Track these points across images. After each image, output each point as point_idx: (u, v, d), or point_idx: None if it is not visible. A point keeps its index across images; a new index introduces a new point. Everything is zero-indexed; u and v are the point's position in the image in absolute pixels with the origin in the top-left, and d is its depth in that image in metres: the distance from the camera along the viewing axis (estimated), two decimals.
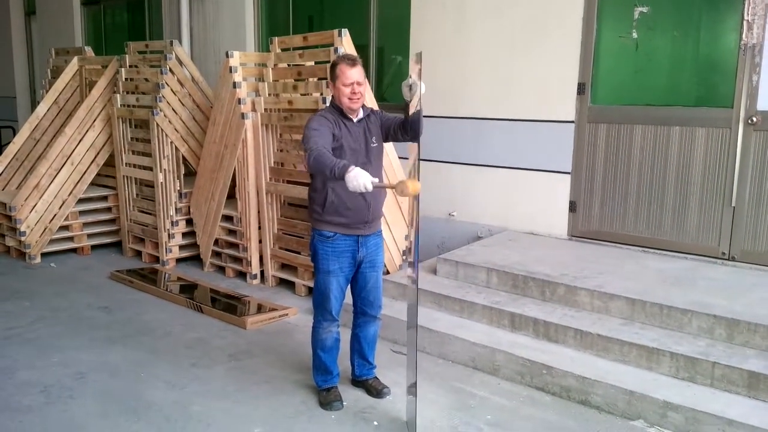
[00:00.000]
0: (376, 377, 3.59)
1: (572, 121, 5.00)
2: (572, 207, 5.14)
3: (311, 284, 5.16)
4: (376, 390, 3.52)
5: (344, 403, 3.40)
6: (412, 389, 3.10)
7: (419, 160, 3.03)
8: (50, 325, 4.54)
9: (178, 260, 6.12)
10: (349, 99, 3.16)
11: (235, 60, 5.30)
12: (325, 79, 4.77)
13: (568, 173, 5.08)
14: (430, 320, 4.15)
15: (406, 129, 3.21)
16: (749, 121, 4.31)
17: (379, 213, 3.37)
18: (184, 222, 6.05)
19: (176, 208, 5.97)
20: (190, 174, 6.14)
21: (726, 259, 4.52)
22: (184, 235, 6.10)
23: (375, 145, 3.29)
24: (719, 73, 4.46)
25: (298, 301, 5.07)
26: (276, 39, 5.31)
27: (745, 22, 4.20)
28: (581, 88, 4.96)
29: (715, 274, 4.29)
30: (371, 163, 3.24)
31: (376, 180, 2.87)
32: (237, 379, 3.75)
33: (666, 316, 3.74)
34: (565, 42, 4.92)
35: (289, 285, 5.39)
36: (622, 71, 4.89)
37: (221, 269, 5.86)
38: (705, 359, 3.37)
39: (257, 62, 5.50)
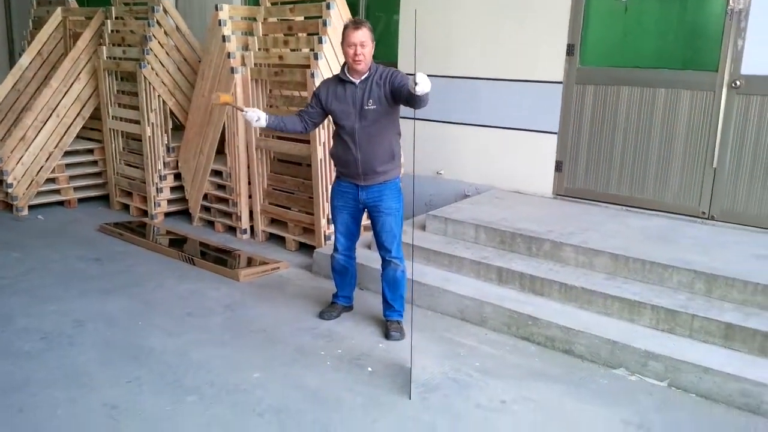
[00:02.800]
0: (396, 321, 3.82)
1: (560, 82, 5.08)
2: (558, 167, 5.25)
3: (302, 239, 5.26)
4: (387, 331, 3.79)
5: (333, 320, 3.96)
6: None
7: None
8: (42, 276, 4.58)
9: (167, 214, 6.15)
10: (353, 60, 3.45)
11: (225, 13, 5.26)
12: (317, 34, 4.83)
13: (555, 133, 5.18)
14: (420, 274, 4.25)
15: (408, 102, 3.38)
16: (733, 85, 4.43)
17: (374, 169, 3.59)
18: (172, 176, 6.05)
19: (164, 162, 5.97)
20: (178, 128, 6.13)
21: (705, 219, 4.69)
22: (173, 189, 6.11)
23: (371, 107, 3.48)
24: (705, 37, 4.55)
25: (288, 256, 5.15)
26: None
27: None
28: (570, 50, 5.02)
29: (694, 233, 4.45)
30: (361, 123, 3.51)
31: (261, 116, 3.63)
32: (233, 328, 3.85)
33: (648, 271, 3.90)
34: (556, 3, 4.96)
35: (279, 240, 5.46)
36: (611, 33, 4.97)
37: (210, 224, 5.90)
38: (684, 311, 3.53)
39: (246, 16, 5.46)
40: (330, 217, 4.85)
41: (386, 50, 5.79)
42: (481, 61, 5.41)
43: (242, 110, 3.73)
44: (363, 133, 3.51)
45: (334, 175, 4.54)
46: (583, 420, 2.99)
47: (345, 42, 3.44)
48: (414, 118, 3.84)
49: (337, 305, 4.06)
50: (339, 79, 3.58)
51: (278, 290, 4.47)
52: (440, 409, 3.03)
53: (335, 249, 3.92)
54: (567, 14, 4.95)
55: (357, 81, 3.49)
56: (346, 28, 3.46)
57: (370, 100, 3.47)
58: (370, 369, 3.39)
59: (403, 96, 3.35)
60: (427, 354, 3.55)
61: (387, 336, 3.75)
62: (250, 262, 4.92)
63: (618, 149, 4.97)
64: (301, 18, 5.13)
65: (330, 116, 3.69)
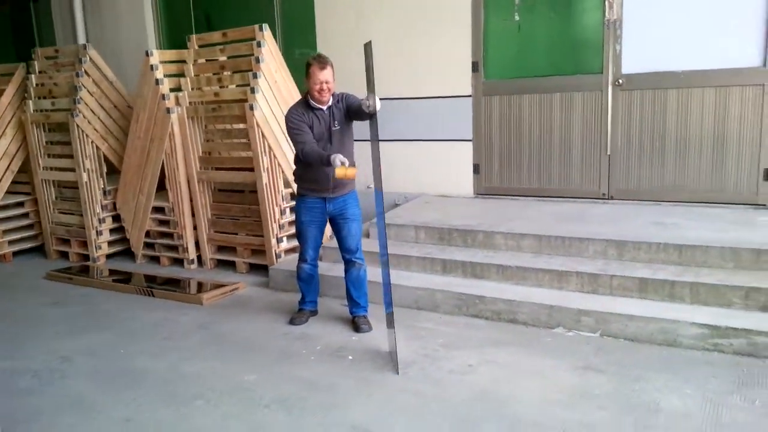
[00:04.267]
0: (363, 316, 4.25)
1: (470, 96, 5.76)
2: (476, 169, 5.90)
3: (252, 261, 5.59)
4: (356, 325, 4.21)
5: (304, 325, 4.33)
6: (390, 323, 3.73)
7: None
8: (9, 324, 4.67)
9: (108, 256, 6.29)
10: (318, 93, 3.90)
11: (155, 58, 5.57)
12: (250, 71, 5.24)
13: (470, 140, 5.83)
14: (374, 275, 4.68)
15: (358, 115, 3.90)
16: (616, 83, 5.24)
17: (342, 182, 4.03)
18: (110, 218, 6.21)
19: (102, 206, 6.12)
20: (111, 172, 6.30)
21: (606, 199, 5.46)
22: (111, 231, 6.27)
23: (337, 128, 3.97)
24: (589, 45, 5.35)
25: (241, 278, 5.46)
26: (194, 36, 5.63)
27: (606, 2, 5.11)
28: (475, 66, 5.72)
29: (599, 211, 5.19)
30: (332, 143, 3.98)
31: (344, 159, 3.74)
32: (213, 344, 4.14)
33: (567, 246, 4.56)
34: (458, 27, 5.66)
35: (228, 264, 5.76)
36: (509, 49, 5.69)
37: (155, 259, 6.10)
38: (604, 274, 4.20)
39: (173, 59, 5.77)
40: (279, 236, 5.31)
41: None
42: (398, 83, 5.99)
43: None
44: (333, 151, 3.89)
45: (280, 197, 5.06)
46: (539, 371, 3.53)
47: (311, 79, 3.85)
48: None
49: (304, 311, 4.44)
50: (307, 107, 3.97)
51: (243, 307, 4.79)
52: (421, 378, 3.49)
53: (303, 260, 4.31)
54: (469, 35, 5.64)
55: (324, 107, 3.96)
56: (310, 65, 3.86)
57: (336, 122, 3.97)
58: (350, 357, 3.81)
59: (356, 112, 3.86)
60: (397, 339, 4.00)
61: (357, 329, 4.18)
62: (200, 288, 5.17)
63: (525, 148, 5.68)
64: (224, 58, 5.51)
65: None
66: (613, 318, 3.92)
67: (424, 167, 6.04)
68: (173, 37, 7.43)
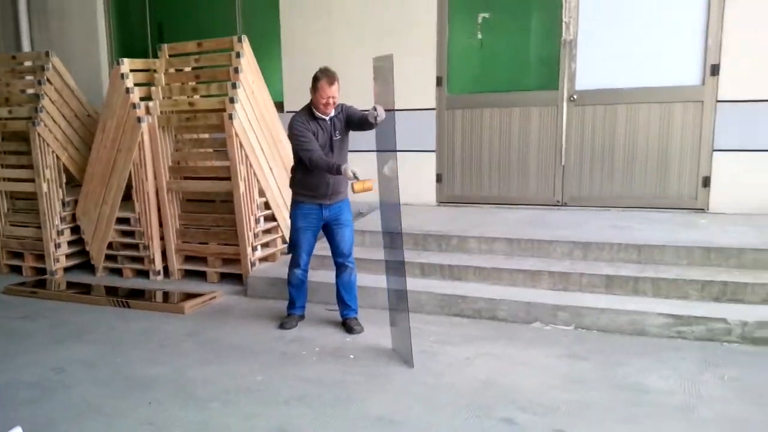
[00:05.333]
0: (354, 318, 4.41)
1: (434, 108, 6.07)
2: (438, 178, 6.21)
3: (224, 270, 5.63)
4: (349, 327, 4.36)
5: (295, 329, 4.45)
6: (395, 322, 3.93)
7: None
8: None
9: (66, 269, 6.14)
10: (324, 106, 4.08)
11: (126, 67, 5.55)
12: (228, 81, 5.33)
13: (434, 151, 6.14)
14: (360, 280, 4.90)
15: (359, 125, 4.13)
16: (571, 99, 5.70)
17: (339, 190, 4.25)
18: (69, 230, 6.08)
19: (61, 217, 5.98)
20: (68, 182, 6.16)
21: (560, 205, 5.89)
22: (69, 243, 6.13)
23: (338, 138, 4.17)
24: (547, 63, 5.79)
25: (213, 287, 5.49)
26: (165, 46, 5.64)
27: (563, 23, 5.57)
28: (439, 81, 6.05)
29: (557, 216, 5.61)
30: (333, 153, 4.16)
31: (357, 170, 3.91)
32: (209, 350, 4.19)
33: (537, 248, 4.92)
34: (424, 44, 5.98)
35: (196, 275, 5.76)
36: (471, 65, 6.06)
37: (116, 272, 6.01)
38: (573, 272, 4.59)
39: (142, 68, 5.76)
40: (254, 245, 5.40)
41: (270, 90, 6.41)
42: (364, 97, 6.17)
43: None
44: (333, 160, 4.10)
45: (255, 206, 5.10)
46: (530, 361, 3.83)
47: (318, 93, 4.01)
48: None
49: (294, 316, 4.57)
50: (312, 116, 4.12)
51: (225, 315, 4.85)
52: (424, 372, 3.71)
53: (297, 266, 4.43)
54: (434, 52, 5.96)
55: (327, 118, 4.13)
56: (319, 80, 4.01)
57: (337, 132, 4.16)
58: (351, 356, 3.98)
59: (357, 122, 4.07)
60: (387, 339, 4.20)
61: (350, 331, 4.34)
62: (167, 298, 5.19)
63: (485, 159, 6.05)
64: (213, 67, 5.58)
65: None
66: (586, 312, 4.29)
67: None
68: (126, 47, 7.35)
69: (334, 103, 4.08)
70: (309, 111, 4.15)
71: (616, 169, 5.69)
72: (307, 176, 4.20)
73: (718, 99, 5.33)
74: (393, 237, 3.96)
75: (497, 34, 5.89)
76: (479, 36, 5.90)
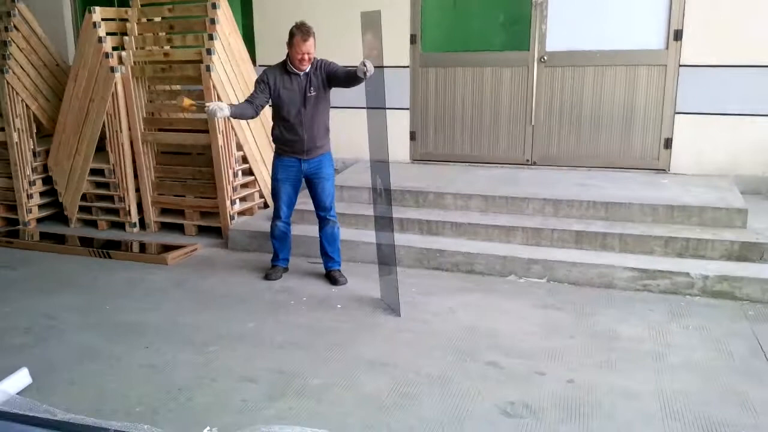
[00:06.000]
0: (338, 270, 4.54)
1: (407, 66, 6.15)
2: (412, 136, 6.34)
3: (202, 223, 5.68)
4: (333, 278, 4.50)
5: (281, 280, 4.58)
6: (382, 274, 4.11)
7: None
8: None
9: (39, 220, 6.07)
10: (299, 62, 4.12)
11: (97, 15, 5.44)
12: (204, 32, 5.29)
13: (408, 109, 6.25)
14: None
15: (347, 82, 4.14)
16: (541, 60, 5.87)
17: (315, 144, 4.32)
18: (40, 181, 6.00)
19: (32, 168, 5.89)
20: (38, 133, 6.04)
21: (529, 164, 6.11)
22: (41, 194, 6.05)
23: (312, 94, 4.21)
24: (518, 23, 5.92)
25: (191, 240, 5.54)
26: None
27: None
28: (413, 39, 6.12)
29: (527, 175, 5.83)
30: (306, 108, 4.22)
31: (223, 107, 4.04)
32: (197, 299, 4.29)
33: (510, 204, 5.14)
34: (398, 1, 6.00)
35: (172, 228, 5.78)
36: (445, 24, 6.14)
37: (91, 223, 5.98)
38: (545, 228, 4.82)
39: (113, 17, 5.64)
40: (232, 199, 5.46)
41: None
42: (337, 53, 6.20)
43: (206, 106, 4.05)
44: (307, 116, 4.22)
45: (234, 159, 5.16)
46: (509, 310, 4.06)
47: (294, 48, 4.06)
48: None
49: (278, 267, 4.68)
50: (285, 71, 4.18)
51: (209, 267, 4.93)
52: (410, 320, 3.91)
53: (278, 218, 4.53)
54: (408, 8, 6.02)
55: (301, 73, 4.17)
56: (294, 35, 4.05)
57: (312, 88, 4.20)
58: (339, 306, 4.14)
59: (344, 78, 4.12)
60: (371, 290, 4.38)
61: (335, 282, 4.49)
62: (144, 249, 5.26)
63: (458, 118, 6.20)
64: (187, 18, 5.51)
65: (272, 101, 4.26)
66: (558, 265, 4.54)
67: (362, 134, 6.33)
68: None
69: (309, 59, 4.12)
70: (283, 65, 4.22)
71: (584, 129, 5.92)
72: (285, 132, 4.31)
73: (681, 63, 5.58)
74: (383, 193, 4.07)
75: None
76: None
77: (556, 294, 4.31)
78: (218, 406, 2.98)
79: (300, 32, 4.06)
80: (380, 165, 4.06)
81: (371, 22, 3.82)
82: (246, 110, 4.23)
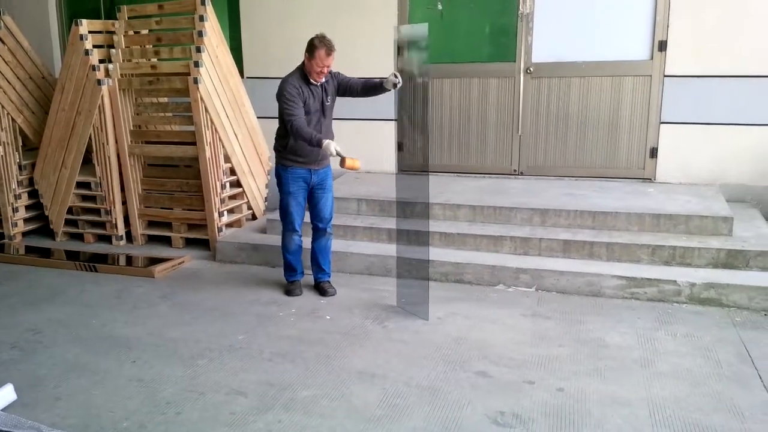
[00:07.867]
0: (327, 281, 4.53)
1: None
2: (399, 147, 6.36)
3: (189, 235, 5.65)
4: (323, 290, 4.49)
5: (302, 293, 4.51)
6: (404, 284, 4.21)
7: None
8: None
9: (24, 234, 6.02)
10: (317, 74, 4.12)
11: (84, 28, 5.42)
12: (191, 44, 5.29)
13: (395, 120, 6.26)
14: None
15: (365, 92, 4.28)
16: (527, 71, 5.91)
17: (325, 154, 4.20)
18: (26, 194, 5.96)
19: (18, 181, 5.85)
20: (24, 146, 6.01)
21: (517, 175, 6.14)
22: (27, 208, 6.01)
23: (329, 103, 4.26)
24: (505, 35, 5.97)
25: (179, 252, 5.52)
26: (125, 7, 5.54)
27: None
28: (400, 51, 6.14)
29: (515, 185, 5.86)
30: (325, 117, 4.26)
31: (339, 148, 3.97)
32: (186, 312, 4.26)
33: (498, 214, 5.16)
34: (385, 13, 6.04)
35: (159, 240, 5.76)
36: (432, 36, 6.11)
37: (77, 237, 5.94)
38: (533, 237, 4.84)
39: (100, 30, 5.63)
40: (220, 211, 5.43)
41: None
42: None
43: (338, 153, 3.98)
44: (324, 125, 4.24)
45: (221, 171, 5.13)
46: (498, 320, 4.07)
47: (314, 61, 4.03)
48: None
49: (297, 282, 4.59)
50: (305, 81, 4.14)
51: (197, 279, 4.91)
52: (399, 329, 3.91)
53: (293, 231, 4.43)
54: (395, 21, 6.05)
55: (318, 83, 4.17)
56: (316, 48, 4.01)
57: (328, 97, 4.24)
58: (328, 317, 4.13)
59: (358, 90, 4.25)
60: (360, 301, 4.38)
61: (324, 294, 4.48)
62: (131, 262, 5.23)
63: (446, 128, 6.22)
64: (174, 30, 5.52)
65: None
66: (546, 274, 4.56)
67: (350, 145, 6.32)
68: (75, 8, 7.13)
69: (327, 71, 4.15)
70: (302, 75, 4.16)
71: (570, 139, 5.95)
72: (299, 142, 4.17)
73: (666, 74, 5.63)
74: (412, 207, 4.11)
75: (458, 5, 6.01)
76: (440, 7, 6.01)
77: (545, 303, 4.32)
78: (207, 419, 2.96)
79: (325, 46, 4.04)
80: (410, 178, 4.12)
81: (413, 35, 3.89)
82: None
